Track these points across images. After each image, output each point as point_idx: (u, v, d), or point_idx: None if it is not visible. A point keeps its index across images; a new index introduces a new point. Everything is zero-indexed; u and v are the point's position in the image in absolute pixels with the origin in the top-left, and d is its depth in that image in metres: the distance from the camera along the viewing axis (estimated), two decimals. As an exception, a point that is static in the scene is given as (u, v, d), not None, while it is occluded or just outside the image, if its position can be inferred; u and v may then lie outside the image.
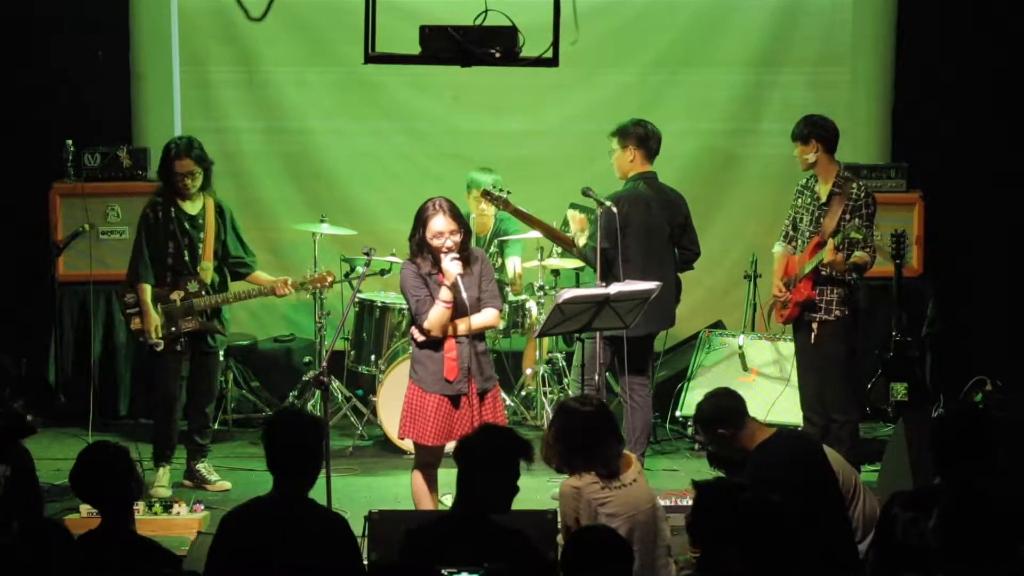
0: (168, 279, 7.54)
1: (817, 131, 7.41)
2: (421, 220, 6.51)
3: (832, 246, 7.25)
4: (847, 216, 7.34)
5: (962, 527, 4.17)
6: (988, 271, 9.25)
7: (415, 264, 6.53)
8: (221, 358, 7.78)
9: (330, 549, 4.65)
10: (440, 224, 6.45)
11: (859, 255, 7.33)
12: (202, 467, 7.75)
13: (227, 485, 7.65)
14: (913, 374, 8.60)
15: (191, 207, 7.56)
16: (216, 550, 4.74)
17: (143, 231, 7.58)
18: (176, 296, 7.51)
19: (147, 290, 7.51)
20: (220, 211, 7.64)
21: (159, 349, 7.53)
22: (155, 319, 7.49)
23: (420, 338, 6.56)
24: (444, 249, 6.45)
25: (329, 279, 7.77)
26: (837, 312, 7.40)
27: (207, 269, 7.58)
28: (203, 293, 7.53)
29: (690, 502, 4.86)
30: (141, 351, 8.93)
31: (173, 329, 7.52)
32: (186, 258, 7.53)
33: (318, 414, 4.79)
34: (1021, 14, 9.09)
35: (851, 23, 9.43)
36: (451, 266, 6.44)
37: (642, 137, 7.53)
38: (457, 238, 6.48)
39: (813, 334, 7.44)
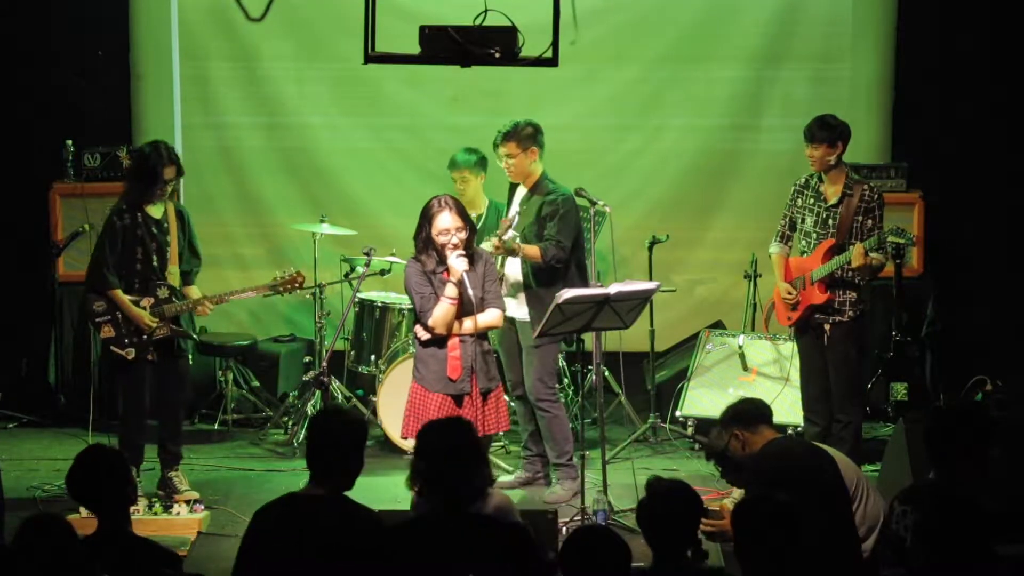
0: (136, 286, 7.38)
1: (841, 133, 7.34)
2: (427, 217, 6.52)
3: (861, 251, 7.21)
4: (859, 218, 7.32)
5: (940, 528, 4.16)
6: (988, 271, 9.24)
7: (420, 262, 6.54)
8: (191, 361, 7.71)
9: (363, 547, 4.60)
10: (446, 221, 6.47)
11: (877, 256, 7.32)
12: (175, 476, 7.54)
13: (195, 495, 7.41)
14: (913, 374, 8.61)
15: (155, 211, 7.42)
16: (247, 544, 4.72)
17: (109, 238, 7.36)
18: (147, 303, 7.36)
19: (121, 293, 7.35)
20: (180, 216, 7.52)
21: (130, 358, 7.35)
22: (143, 313, 7.34)
23: (424, 336, 6.57)
24: (450, 246, 6.47)
25: (299, 279, 7.60)
26: (851, 313, 7.39)
27: (175, 274, 7.46)
28: (173, 299, 7.41)
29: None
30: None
31: (144, 337, 7.36)
32: (155, 263, 7.38)
33: (362, 412, 4.81)
34: (1021, 14, 9.09)
35: (851, 19, 9.43)
36: (457, 263, 6.46)
37: (534, 135, 7.43)
38: (463, 235, 6.51)
39: (825, 335, 7.42)
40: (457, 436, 4.73)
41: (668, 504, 4.56)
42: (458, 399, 6.58)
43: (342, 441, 4.73)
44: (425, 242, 6.53)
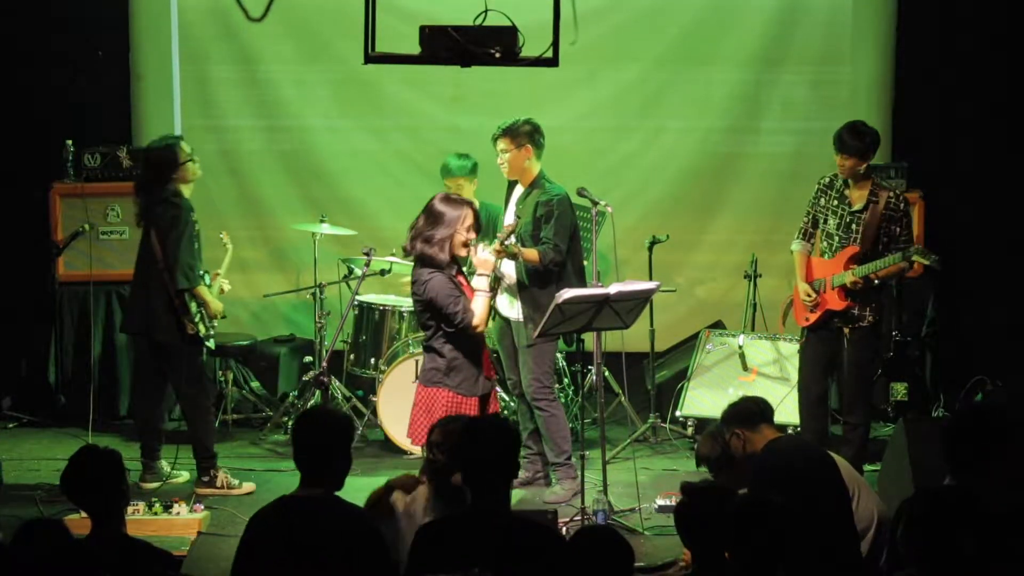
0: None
1: (875, 143, 7.26)
2: (451, 220, 6.48)
3: (892, 264, 7.21)
4: (884, 225, 7.27)
5: (928, 532, 4.14)
6: (988, 271, 9.24)
7: (443, 271, 6.50)
8: None
9: (355, 547, 4.60)
10: (471, 218, 6.51)
11: (900, 264, 7.30)
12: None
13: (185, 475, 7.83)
14: (913, 374, 8.60)
15: None
16: (242, 549, 4.72)
17: (189, 234, 7.49)
18: None
19: (204, 287, 7.60)
20: None
21: (214, 348, 7.68)
22: (217, 302, 7.67)
23: (484, 327, 6.59)
24: (469, 243, 6.51)
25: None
26: (870, 318, 7.37)
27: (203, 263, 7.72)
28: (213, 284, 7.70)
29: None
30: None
31: (216, 324, 7.69)
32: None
33: (345, 412, 4.80)
34: (1021, 14, 9.09)
35: (851, 22, 9.43)
36: (488, 255, 6.54)
37: (531, 133, 7.45)
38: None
39: (845, 338, 7.38)
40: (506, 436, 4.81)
41: (708, 505, 4.56)
42: (484, 398, 6.64)
43: (327, 441, 4.73)
44: (447, 246, 6.48)
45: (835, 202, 7.40)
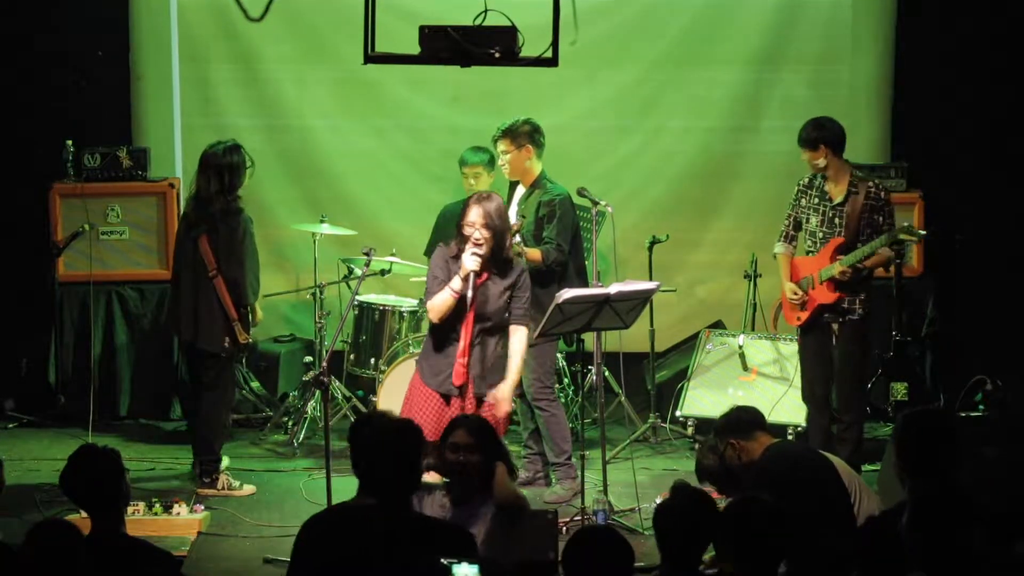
0: None
1: (824, 135, 7.31)
2: (465, 204, 6.64)
3: (878, 247, 7.23)
4: (866, 215, 7.30)
5: (934, 524, 4.14)
6: (988, 271, 9.24)
7: (449, 246, 6.66)
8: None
9: (414, 558, 4.49)
10: (472, 215, 6.54)
11: (886, 251, 7.32)
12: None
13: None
14: (913, 374, 8.60)
15: None
16: (298, 558, 4.57)
17: (254, 246, 7.54)
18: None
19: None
20: None
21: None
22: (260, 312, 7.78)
23: (435, 320, 6.61)
24: (471, 241, 6.51)
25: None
26: (861, 311, 7.38)
27: None
28: None
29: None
30: (145, 352, 8.96)
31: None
32: None
33: (404, 419, 4.73)
34: (1021, 14, 9.09)
35: (851, 21, 9.43)
36: (468, 260, 6.50)
37: (531, 133, 7.47)
38: (485, 233, 6.51)
39: (834, 335, 7.39)
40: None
41: (690, 507, 4.52)
42: (446, 397, 6.61)
43: (394, 449, 4.67)
44: (458, 228, 6.61)
45: (816, 200, 7.44)
